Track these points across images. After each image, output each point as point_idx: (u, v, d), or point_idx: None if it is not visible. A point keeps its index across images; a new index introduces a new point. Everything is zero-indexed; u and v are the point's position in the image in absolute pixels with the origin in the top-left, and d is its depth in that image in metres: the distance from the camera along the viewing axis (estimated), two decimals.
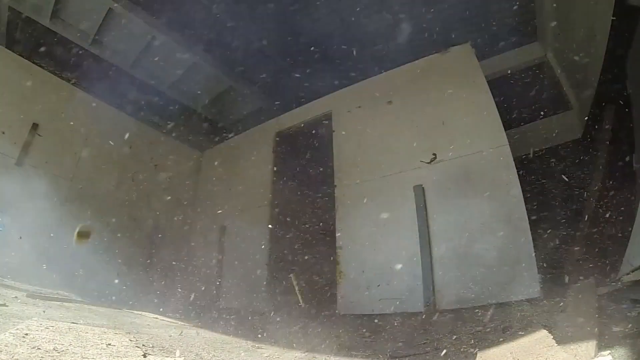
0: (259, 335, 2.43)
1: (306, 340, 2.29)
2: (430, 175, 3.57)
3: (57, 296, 2.76)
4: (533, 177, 4.86)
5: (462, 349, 1.68)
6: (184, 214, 5.75)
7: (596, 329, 1.45)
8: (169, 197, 5.58)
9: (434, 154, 3.55)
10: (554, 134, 4.97)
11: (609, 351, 1.28)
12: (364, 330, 2.65)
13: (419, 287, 3.26)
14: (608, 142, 3.60)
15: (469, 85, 3.68)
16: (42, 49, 4.94)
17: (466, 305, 3.00)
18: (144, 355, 1.39)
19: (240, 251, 4.86)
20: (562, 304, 2.05)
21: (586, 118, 4.32)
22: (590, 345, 1.29)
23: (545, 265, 3.06)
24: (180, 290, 5.41)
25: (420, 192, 3.53)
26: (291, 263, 4.56)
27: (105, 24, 4.81)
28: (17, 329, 1.43)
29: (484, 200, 3.22)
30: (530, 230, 2.95)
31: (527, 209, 3.01)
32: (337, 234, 3.98)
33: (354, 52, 6.03)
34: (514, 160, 3.22)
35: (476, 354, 1.43)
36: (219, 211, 5.37)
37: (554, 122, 5.04)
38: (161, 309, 3.35)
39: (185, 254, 5.67)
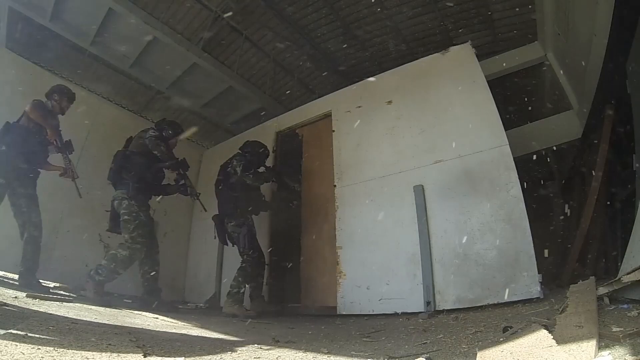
0: (260, 335, 2.43)
1: (306, 340, 2.29)
2: (430, 175, 3.57)
3: (57, 296, 2.76)
4: (533, 177, 4.86)
5: (462, 349, 1.68)
6: (184, 214, 5.76)
7: (596, 329, 1.45)
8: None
9: None
10: (554, 134, 4.98)
11: (609, 351, 1.28)
12: (364, 330, 2.65)
13: (419, 287, 3.27)
14: (608, 142, 3.60)
15: (469, 85, 3.68)
16: (42, 49, 4.94)
17: (466, 305, 3.01)
18: (144, 355, 1.38)
19: None
20: (562, 304, 2.05)
21: (586, 118, 4.33)
22: (590, 345, 1.28)
23: (545, 265, 3.06)
24: (180, 290, 5.42)
25: (420, 192, 3.53)
26: (291, 263, 4.56)
27: (105, 24, 4.82)
28: (17, 329, 1.43)
29: (484, 200, 3.22)
30: (530, 230, 2.94)
31: (527, 209, 3.01)
32: (337, 234, 3.98)
33: (354, 52, 6.03)
34: (514, 160, 3.21)
35: (476, 354, 1.43)
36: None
37: (554, 122, 5.05)
38: (161, 309, 3.35)
39: (185, 253, 5.68)
